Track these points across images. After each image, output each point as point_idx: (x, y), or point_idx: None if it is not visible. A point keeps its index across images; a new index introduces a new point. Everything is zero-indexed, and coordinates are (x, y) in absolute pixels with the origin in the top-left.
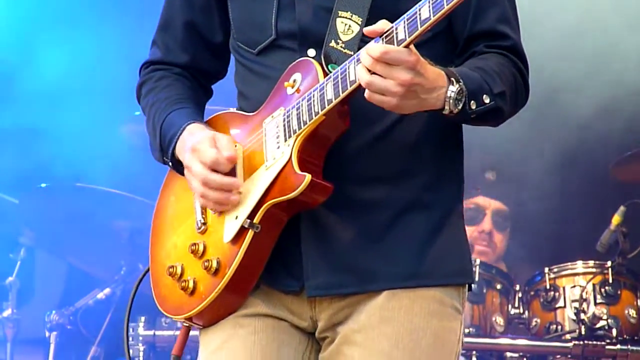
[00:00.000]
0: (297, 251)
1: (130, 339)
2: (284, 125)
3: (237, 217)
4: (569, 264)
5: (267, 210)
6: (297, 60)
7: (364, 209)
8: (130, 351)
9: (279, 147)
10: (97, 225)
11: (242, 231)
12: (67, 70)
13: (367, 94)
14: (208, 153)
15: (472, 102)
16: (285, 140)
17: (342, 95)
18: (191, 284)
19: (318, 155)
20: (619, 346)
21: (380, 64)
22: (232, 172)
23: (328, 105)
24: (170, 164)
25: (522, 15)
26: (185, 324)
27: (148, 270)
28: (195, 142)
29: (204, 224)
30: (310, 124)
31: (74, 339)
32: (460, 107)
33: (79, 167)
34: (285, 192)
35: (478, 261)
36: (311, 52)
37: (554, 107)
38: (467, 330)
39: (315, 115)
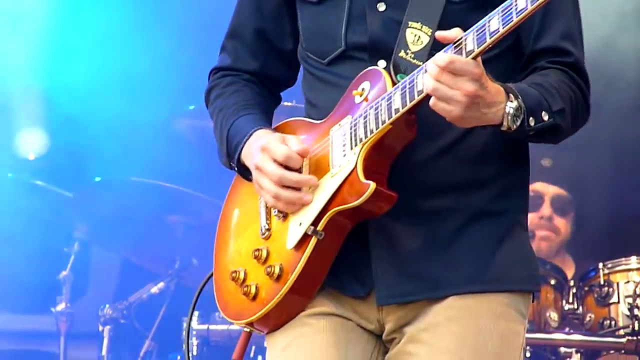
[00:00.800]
0: (364, 258)
1: (184, 333)
2: (351, 134)
3: (300, 224)
4: (623, 259)
5: (330, 218)
6: (366, 70)
7: (430, 217)
8: (183, 345)
9: (344, 155)
10: (151, 220)
11: (305, 238)
12: (122, 64)
13: (431, 101)
14: (279, 149)
15: (531, 118)
16: (352, 148)
17: (409, 105)
18: (253, 289)
19: (384, 164)
20: None
21: (446, 73)
22: None
23: (395, 114)
24: (236, 169)
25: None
26: (246, 329)
27: (211, 275)
28: (265, 142)
29: (268, 229)
30: (376, 133)
31: (127, 333)
32: (518, 124)
33: (133, 161)
34: (350, 200)
35: None
36: (382, 63)
37: (605, 103)
38: None
39: (382, 124)
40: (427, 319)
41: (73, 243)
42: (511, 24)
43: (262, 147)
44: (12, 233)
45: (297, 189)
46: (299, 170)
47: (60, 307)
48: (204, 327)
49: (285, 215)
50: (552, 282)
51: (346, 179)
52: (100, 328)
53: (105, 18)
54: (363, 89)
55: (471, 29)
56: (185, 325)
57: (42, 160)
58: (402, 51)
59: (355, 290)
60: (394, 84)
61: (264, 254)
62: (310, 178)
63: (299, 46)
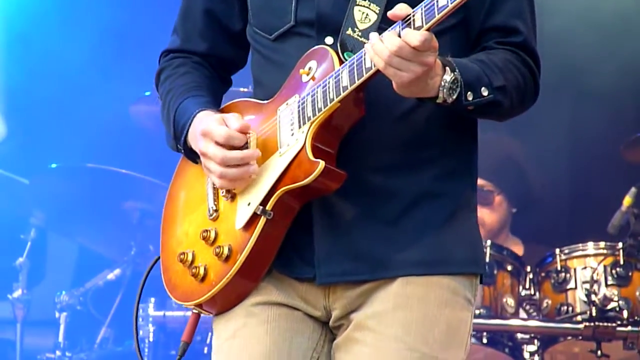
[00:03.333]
0: (310, 238)
1: (141, 319)
2: (299, 112)
3: (249, 204)
4: (580, 245)
5: (279, 197)
6: (313, 48)
7: (376, 196)
8: (140, 332)
9: (293, 134)
10: (108, 206)
11: (254, 218)
12: (76, 50)
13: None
14: (219, 131)
15: (469, 93)
16: (300, 127)
17: (357, 82)
18: (202, 271)
19: (332, 142)
20: (629, 328)
21: (411, 49)
22: None
23: (343, 92)
24: (183, 151)
25: None
26: (195, 311)
27: (158, 258)
28: (206, 126)
29: (216, 210)
30: (325, 111)
31: (84, 319)
32: (455, 97)
33: (89, 147)
34: (299, 178)
35: (489, 242)
36: (329, 40)
37: (564, 88)
38: (477, 312)
39: (330, 102)
40: (374, 306)
41: (29, 230)
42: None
43: (203, 132)
44: None
45: (244, 164)
46: (244, 147)
47: (17, 293)
48: (160, 313)
49: (233, 196)
50: (509, 267)
51: (295, 157)
52: (57, 315)
53: (60, 5)
54: (310, 68)
55: (420, 5)
56: (140, 311)
57: None
58: (350, 29)
59: (302, 272)
60: (341, 62)
61: (212, 234)
62: (253, 151)
63: (247, 24)
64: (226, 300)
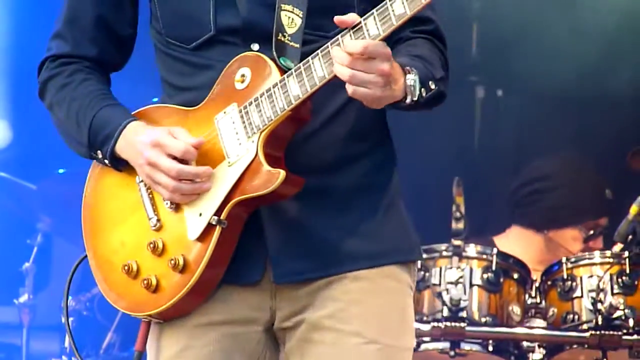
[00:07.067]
0: (258, 242)
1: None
2: (243, 122)
3: (201, 214)
4: (587, 253)
5: (233, 207)
6: (241, 55)
7: (316, 195)
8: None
9: (241, 144)
10: None
11: (209, 228)
12: None
13: (350, 90)
14: (176, 145)
15: (423, 89)
16: (249, 136)
17: (310, 91)
18: (154, 281)
19: (280, 149)
20: (635, 336)
21: (360, 59)
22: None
23: (295, 101)
24: (106, 161)
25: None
26: (145, 320)
27: (85, 257)
28: (156, 137)
29: (158, 220)
30: (275, 120)
31: (90, 325)
32: (417, 95)
33: None
34: (258, 189)
35: (495, 250)
36: (255, 46)
37: (569, 96)
38: (483, 320)
39: (281, 111)
40: (328, 305)
41: (36, 235)
42: (420, 7)
43: (154, 143)
44: None
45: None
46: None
47: (23, 298)
48: None
49: (177, 206)
50: (515, 276)
51: (247, 167)
52: (63, 320)
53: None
54: (243, 75)
55: (370, 12)
56: None
57: (6, 152)
58: (280, 34)
59: (250, 277)
60: (279, 68)
61: (160, 245)
62: (206, 169)
63: (154, 32)
64: (180, 310)
